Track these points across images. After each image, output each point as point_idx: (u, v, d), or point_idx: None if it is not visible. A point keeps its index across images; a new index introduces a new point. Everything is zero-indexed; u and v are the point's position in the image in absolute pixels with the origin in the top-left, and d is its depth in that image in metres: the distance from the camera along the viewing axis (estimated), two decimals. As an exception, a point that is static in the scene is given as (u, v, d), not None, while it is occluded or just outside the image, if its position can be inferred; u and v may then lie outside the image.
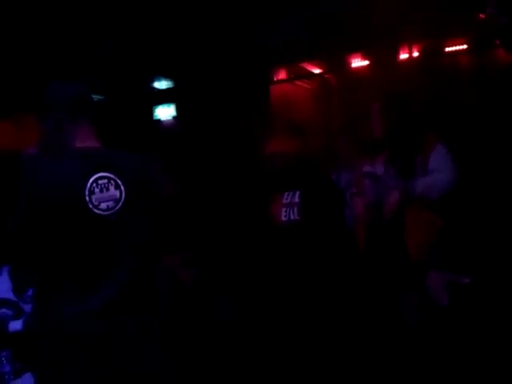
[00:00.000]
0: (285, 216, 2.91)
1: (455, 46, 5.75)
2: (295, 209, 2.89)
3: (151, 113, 6.98)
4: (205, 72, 6.01)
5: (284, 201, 2.94)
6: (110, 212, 1.93)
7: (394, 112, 3.54)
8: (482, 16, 4.57)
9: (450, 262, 3.11)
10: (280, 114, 5.72)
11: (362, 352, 2.99)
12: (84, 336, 1.86)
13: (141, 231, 2.04)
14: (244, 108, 5.97)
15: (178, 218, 3.74)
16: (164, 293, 2.68)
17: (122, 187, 1.97)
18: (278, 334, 2.88)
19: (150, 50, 5.39)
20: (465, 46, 5.71)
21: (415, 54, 5.87)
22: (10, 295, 2.58)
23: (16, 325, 2.51)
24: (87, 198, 1.90)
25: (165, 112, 6.97)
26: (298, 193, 2.92)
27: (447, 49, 5.79)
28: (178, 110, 6.86)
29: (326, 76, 6.75)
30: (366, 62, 6.19)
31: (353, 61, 6.23)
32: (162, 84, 6.75)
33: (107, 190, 1.94)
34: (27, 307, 2.50)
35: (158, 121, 7.00)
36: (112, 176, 1.96)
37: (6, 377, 2.41)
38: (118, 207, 1.95)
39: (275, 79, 6.73)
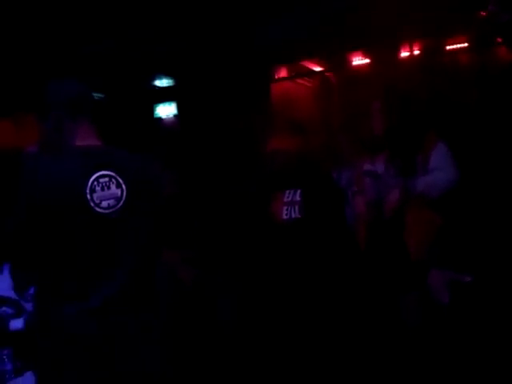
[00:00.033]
0: (286, 214, 2.91)
1: (456, 44, 5.74)
2: (296, 207, 2.89)
3: (152, 111, 6.98)
4: (206, 70, 6.00)
5: (285, 199, 2.94)
6: (111, 210, 1.93)
7: (394, 110, 3.54)
8: (483, 14, 4.56)
9: (450, 261, 3.11)
10: (281, 112, 5.72)
11: (362, 351, 2.99)
12: (84, 336, 1.86)
13: (141, 231, 2.04)
14: (245, 106, 5.96)
15: (178, 218, 3.74)
16: (164, 293, 2.68)
17: (124, 186, 1.97)
18: (278, 334, 2.88)
19: (151, 49, 5.38)
20: (466, 44, 5.69)
21: (416, 52, 5.85)
22: (10, 293, 2.58)
23: (17, 323, 2.51)
24: (88, 197, 1.90)
25: (166, 110, 6.96)
26: (299, 191, 2.92)
27: (448, 47, 5.77)
28: (178, 108, 6.85)
29: (327, 74, 6.74)
30: (367, 60, 6.18)
31: (353, 59, 6.22)
32: (162, 82, 6.74)
33: (108, 188, 1.94)
34: (28, 306, 2.51)
35: (159, 119, 7.00)
36: (113, 174, 1.96)
37: (7, 375, 2.42)
38: (119, 206, 1.95)
39: (276, 77, 6.72)
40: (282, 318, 2.87)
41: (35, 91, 2.09)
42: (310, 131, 3.37)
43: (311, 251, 2.84)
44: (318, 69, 6.72)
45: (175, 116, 6.92)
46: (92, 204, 1.90)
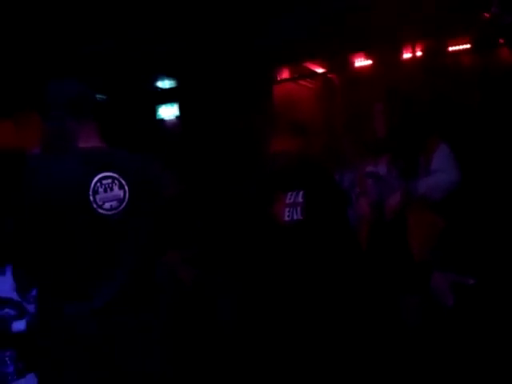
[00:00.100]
0: (288, 216, 2.90)
1: (458, 45, 5.73)
2: (298, 209, 2.88)
3: (154, 112, 6.98)
4: (208, 72, 6.00)
5: (287, 201, 2.93)
6: (113, 212, 1.93)
7: (396, 112, 3.54)
8: (485, 15, 4.56)
9: (453, 263, 3.10)
10: (283, 114, 5.71)
11: (363, 352, 2.98)
12: (84, 336, 1.86)
13: (141, 231, 2.04)
14: (247, 107, 5.96)
15: (179, 218, 3.74)
16: (164, 293, 2.68)
17: (126, 187, 1.97)
18: (278, 334, 2.88)
19: (153, 50, 5.39)
20: (468, 46, 5.68)
21: (418, 53, 5.85)
22: (13, 295, 2.58)
23: (19, 325, 2.51)
24: (91, 198, 1.90)
25: (168, 111, 6.96)
26: (301, 193, 2.91)
27: (450, 48, 5.77)
28: (181, 109, 6.86)
29: (329, 75, 6.74)
30: (369, 62, 6.18)
31: (356, 60, 6.22)
32: (165, 83, 6.74)
33: (111, 189, 1.94)
34: (30, 307, 2.51)
35: (161, 120, 7.00)
36: (116, 176, 1.96)
37: (10, 377, 2.42)
38: (121, 207, 1.95)
39: (278, 78, 6.72)
40: (282, 318, 2.87)
41: (36, 91, 2.09)
42: (312, 132, 3.37)
43: (313, 253, 2.83)
44: (320, 70, 6.72)
45: (177, 117, 6.92)
46: (94, 205, 1.90)
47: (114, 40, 5.02)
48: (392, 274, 3.21)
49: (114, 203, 1.94)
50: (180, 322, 3.43)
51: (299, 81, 6.89)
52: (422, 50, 5.84)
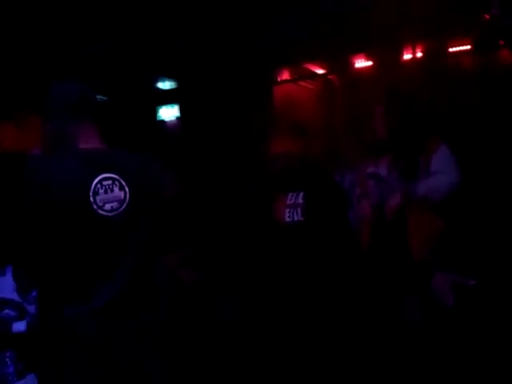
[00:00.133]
0: (288, 217, 2.90)
1: (459, 46, 5.73)
2: (299, 210, 2.88)
3: (155, 113, 6.98)
4: (208, 73, 6.01)
5: (288, 201, 2.93)
6: (113, 213, 1.94)
7: (397, 113, 3.53)
8: (486, 17, 4.56)
9: (453, 264, 3.10)
10: (283, 115, 5.71)
11: (363, 352, 2.98)
12: (84, 336, 1.87)
13: (141, 231, 2.04)
14: (247, 108, 5.96)
15: (179, 218, 3.74)
16: (164, 293, 2.68)
17: (127, 188, 1.97)
18: (278, 335, 2.88)
19: (154, 51, 5.39)
20: (468, 47, 5.69)
21: (419, 54, 5.85)
22: (13, 296, 2.58)
23: (19, 325, 2.51)
24: (92, 199, 1.90)
25: (168, 112, 6.97)
26: (301, 193, 2.91)
27: (451, 49, 5.77)
28: (181, 110, 6.86)
29: (330, 76, 6.74)
30: (370, 63, 6.18)
31: (356, 61, 6.23)
32: (165, 84, 6.75)
33: (112, 191, 1.94)
34: (31, 308, 2.51)
35: (162, 121, 7.01)
36: (116, 177, 1.96)
37: (10, 377, 2.41)
38: (122, 208, 1.95)
39: (279, 79, 6.73)
40: (282, 319, 2.87)
41: (37, 93, 2.09)
42: (312, 133, 3.37)
43: (314, 254, 2.83)
44: (320, 71, 6.72)
45: (178, 118, 6.93)
46: (95, 206, 1.91)
47: (115, 41, 5.03)
48: (392, 274, 3.21)
49: (115, 204, 1.95)
50: (180, 322, 3.43)
51: (299, 82, 6.89)
52: (422, 51, 5.84)
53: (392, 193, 3.37)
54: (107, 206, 1.93)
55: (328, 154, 4.14)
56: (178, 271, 3.64)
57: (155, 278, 2.12)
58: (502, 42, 5.19)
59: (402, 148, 3.44)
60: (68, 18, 4.47)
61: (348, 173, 3.99)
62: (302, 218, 2.87)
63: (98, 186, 1.92)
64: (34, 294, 2.42)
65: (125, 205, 1.96)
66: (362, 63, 6.22)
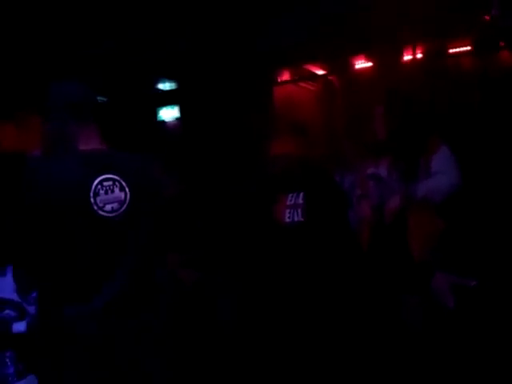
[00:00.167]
0: (289, 217, 2.91)
1: (459, 47, 5.73)
2: (299, 210, 2.89)
3: (155, 114, 6.99)
4: (208, 74, 6.01)
5: (288, 202, 2.93)
6: (114, 214, 1.94)
7: (397, 113, 3.53)
8: (486, 17, 4.56)
9: (453, 264, 3.10)
10: (284, 115, 5.72)
11: (363, 352, 2.98)
12: (84, 336, 1.87)
13: (141, 231, 2.04)
14: (247, 109, 5.97)
15: (180, 218, 3.74)
16: (164, 293, 2.69)
17: (127, 189, 1.97)
18: (278, 335, 2.88)
19: (154, 52, 5.40)
20: (468, 48, 5.69)
21: (419, 55, 5.85)
22: (13, 296, 2.58)
23: (20, 326, 2.50)
24: (92, 200, 1.90)
25: (168, 113, 6.98)
26: (302, 194, 2.91)
27: (451, 50, 5.77)
28: (181, 111, 6.87)
29: (330, 77, 6.74)
30: (370, 64, 6.19)
31: (356, 62, 6.23)
32: (165, 85, 6.76)
33: (112, 191, 1.95)
34: (31, 308, 2.50)
35: (162, 122, 7.01)
36: (117, 178, 1.96)
37: (10, 378, 2.41)
38: (122, 209, 1.95)
39: (279, 80, 6.73)
40: (282, 319, 2.87)
41: (38, 93, 2.10)
42: (312, 134, 3.37)
43: (314, 254, 2.83)
44: (320, 72, 6.73)
45: (178, 119, 6.93)
46: (95, 207, 1.91)
47: (115, 42, 5.03)
48: (392, 274, 3.21)
49: (115, 205, 1.95)
50: (180, 322, 3.43)
51: (300, 83, 6.89)
52: (422, 52, 5.84)
53: (392, 194, 3.37)
54: (108, 207, 1.93)
55: (328, 155, 4.14)
56: (178, 271, 3.64)
57: (155, 277, 2.12)
58: (502, 43, 5.19)
59: (402, 149, 3.43)
60: (68, 19, 4.48)
61: (348, 173, 3.99)
62: (302, 219, 2.88)
63: (99, 186, 1.93)
64: (34, 294, 2.42)
65: (125, 205, 1.97)
66: (362, 64, 6.22)
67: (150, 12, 4.61)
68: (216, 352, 3.61)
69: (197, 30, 5.05)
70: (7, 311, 2.55)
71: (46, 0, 4.20)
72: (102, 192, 1.93)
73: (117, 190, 1.96)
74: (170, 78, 6.53)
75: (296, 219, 2.89)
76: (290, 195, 2.94)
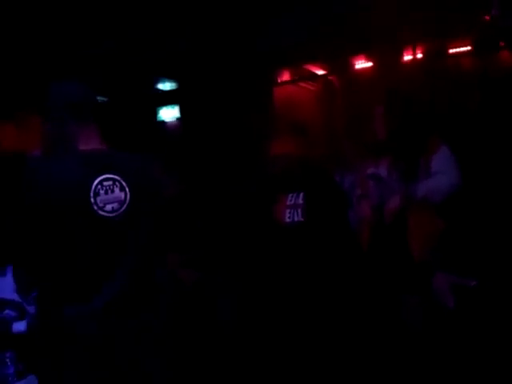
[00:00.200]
0: (289, 217, 2.91)
1: (459, 47, 5.73)
2: (299, 210, 2.89)
3: (155, 114, 6.99)
4: (208, 74, 6.01)
5: (288, 202, 2.94)
6: (114, 214, 1.94)
7: (397, 113, 3.53)
8: (486, 18, 4.56)
9: (453, 264, 3.10)
10: (284, 116, 5.72)
11: (363, 352, 2.98)
12: (84, 336, 1.87)
13: (141, 231, 2.04)
14: (248, 109, 5.97)
15: (180, 218, 3.74)
16: (164, 293, 2.69)
17: (127, 189, 1.97)
18: (278, 335, 2.88)
19: (154, 52, 5.40)
20: (468, 48, 5.69)
21: (419, 55, 5.85)
22: (13, 296, 2.58)
23: (20, 326, 2.51)
24: (92, 200, 1.90)
25: (169, 113, 6.98)
26: (302, 194, 2.92)
27: (451, 50, 5.77)
28: (181, 111, 6.87)
29: (330, 77, 6.74)
30: (370, 64, 6.19)
31: (356, 62, 6.23)
32: (165, 85, 6.76)
33: (112, 191, 1.95)
34: (31, 308, 2.50)
35: (162, 122, 7.01)
36: (117, 178, 1.96)
37: (10, 378, 2.41)
38: (122, 209, 1.95)
39: (279, 81, 6.73)
40: (282, 319, 2.87)
41: (38, 93, 2.10)
42: (312, 134, 3.37)
43: (314, 254, 2.84)
44: (320, 72, 6.73)
45: (178, 119, 6.93)
46: (95, 207, 1.91)
47: (115, 41, 5.03)
48: (392, 274, 3.21)
49: (116, 205, 1.95)
50: (180, 322, 3.43)
51: (300, 83, 6.90)
52: (422, 52, 5.84)
53: (392, 194, 3.37)
54: (108, 207, 1.93)
55: (328, 155, 4.14)
56: (178, 271, 3.64)
57: (155, 277, 2.13)
58: (502, 43, 5.19)
59: (402, 149, 3.43)
60: (68, 19, 4.48)
61: (348, 173, 3.99)
62: (302, 219, 2.88)
63: (99, 186, 1.93)
64: (34, 294, 2.42)
65: (125, 205, 1.97)
66: (362, 64, 6.22)
67: (150, 12, 4.61)
68: (216, 352, 3.61)
69: (197, 30, 5.05)
70: (7, 311, 2.55)
71: (45, 0, 4.20)
72: (102, 192, 1.93)
73: (117, 189, 1.96)
74: (170, 78, 6.52)
75: (296, 219, 2.89)
76: (290, 195, 2.95)
